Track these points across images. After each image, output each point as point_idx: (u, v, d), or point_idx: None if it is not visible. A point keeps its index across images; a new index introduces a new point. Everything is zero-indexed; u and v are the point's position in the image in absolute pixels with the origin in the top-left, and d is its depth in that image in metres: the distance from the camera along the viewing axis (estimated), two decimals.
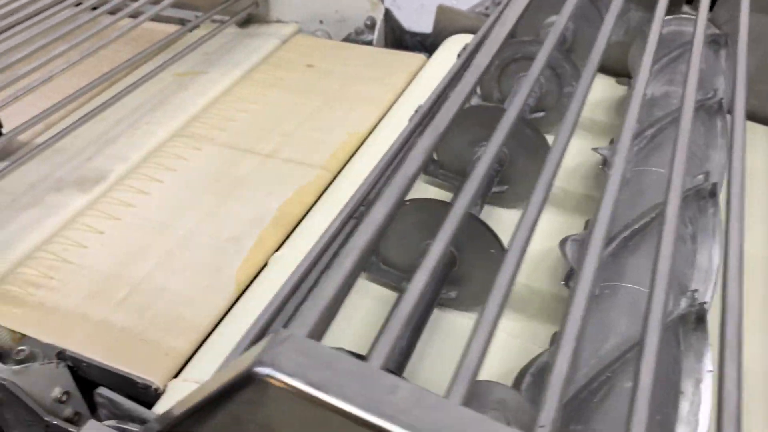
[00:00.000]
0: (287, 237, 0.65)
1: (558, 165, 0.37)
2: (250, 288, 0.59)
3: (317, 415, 0.25)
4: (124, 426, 0.43)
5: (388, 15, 0.97)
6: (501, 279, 0.28)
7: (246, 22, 1.04)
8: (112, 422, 0.44)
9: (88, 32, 0.82)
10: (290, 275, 0.46)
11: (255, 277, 0.61)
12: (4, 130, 0.76)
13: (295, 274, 0.41)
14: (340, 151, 0.77)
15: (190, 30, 0.94)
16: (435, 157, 0.65)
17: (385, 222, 0.31)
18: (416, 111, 0.61)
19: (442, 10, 0.92)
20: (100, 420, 0.51)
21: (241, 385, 0.26)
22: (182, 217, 0.69)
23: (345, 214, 0.45)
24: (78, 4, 0.91)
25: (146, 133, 0.80)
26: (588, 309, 0.28)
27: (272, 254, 0.63)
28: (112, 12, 0.90)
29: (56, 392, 0.51)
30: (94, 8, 0.90)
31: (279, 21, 1.04)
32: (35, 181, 0.73)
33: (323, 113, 0.84)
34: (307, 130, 0.81)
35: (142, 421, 0.43)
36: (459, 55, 0.70)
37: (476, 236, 0.49)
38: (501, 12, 0.61)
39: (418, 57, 0.92)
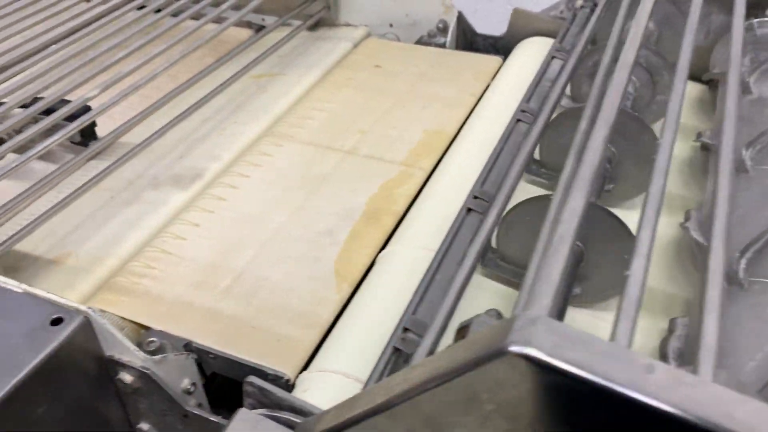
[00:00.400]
0: (390, 232, 0.66)
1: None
2: (366, 284, 0.59)
3: (572, 393, 0.25)
4: (277, 414, 0.44)
5: (460, 18, 0.98)
6: (713, 268, 0.29)
7: (315, 25, 1.05)
8: (263, 411, 0.44)
9: (170, 39, 0.83)
10: (429, 268, 0.46)
11: (365, 273, 0.61)
12: (99, 132, 0.78)
13: (447, 268, 0.42)
14: (418, 148, 0.78)
15: (258, 33, 0.96)
16: (537, 156, 0.66)
17: (584, 212, 0.31)
18: (523, 110, 0.62)
19: (517, 13, 0.93)
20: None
21: (489, 364, 0.26)
22: (273, 211, 0.70)
23: (493, 218, 0.46)
24: (158, 11, 0.93)
25: (234, 133, 0.81)
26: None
27: (378, 251, 0.63)
28: (192, 17, 0.91)
29: (185, 383, 0.52)
30: (175, 14, 0.92)
31: (348, 25, 1.05)
32: (131, 179, 0.75)
33: (397, 112, 0.85)
34: (382, 128, 0.82)
35: (295, 410, 0.43)
36: (554, 57, 0.71)
37: (607, 231, 0.50)
38: (603, 16, 0.61)
39: (493, 59, 0.93)
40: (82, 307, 0.47)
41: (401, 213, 0.69)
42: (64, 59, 0.79)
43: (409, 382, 0.29)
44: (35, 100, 0.77)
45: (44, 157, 0.78)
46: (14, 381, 0.43)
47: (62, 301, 0.47)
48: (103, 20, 0.88)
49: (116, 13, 0.90)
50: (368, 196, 0.71)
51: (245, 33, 1.07)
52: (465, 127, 0.80)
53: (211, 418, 0.48)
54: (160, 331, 0.54)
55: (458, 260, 0.52)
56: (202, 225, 0.69)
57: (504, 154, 0.61)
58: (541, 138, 0.65)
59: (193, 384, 0.53)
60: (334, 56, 0.97)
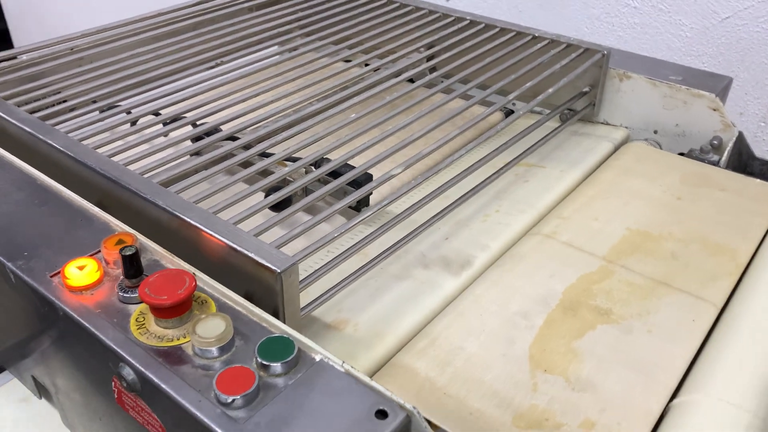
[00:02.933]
0: (588, 327, 0.60)
1: None
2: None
3: None
4: None
5: (739, 138, 0.92)
6: None
7: (568, 118, 1.03)
8: None
9: (420, 111, 0.84)
10: None
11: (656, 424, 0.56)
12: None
13: None
14: (621, 244, 0.76)
15: (507, 120, 0.95)
16: None
17: None
18: None
19: None
20: None
21: None
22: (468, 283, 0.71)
23: None
24: (411, 81, 0.94)
25: (500, 223, 0.80)
26: None
27: (669, 401, 0.58)
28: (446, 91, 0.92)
29: None
30: (446, 92, 0.93)
31: (606, 123, 1.02)
32: (399, 253, 0.75)
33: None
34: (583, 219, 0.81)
35: None
36: None
37: None
38: None
39: None
40: (408, 405, 0.46)
41: (601, 309, 0.67)
42: (332, 125, 0.82)
43: None
44: (322, 161, 0.81)
45: (311, 211, 0.82)
46: None
47: (386, 392, 0.47)
48: (368, 90, 0.92)
49: (366, 83, 0.93)
50: (566, 286, 0.70)
51: (495, 116, 1.08)
52: (758, 257, 0.74)
53: None
54: None
55: None
56: None
57: None
58: None
59: None
60: (597, 156, 0.94)
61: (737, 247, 0.76)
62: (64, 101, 0.85)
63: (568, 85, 0.95)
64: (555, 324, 0.65)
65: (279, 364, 0.48)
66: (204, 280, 0.56)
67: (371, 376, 0.59)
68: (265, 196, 0.69)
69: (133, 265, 0.54)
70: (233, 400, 0.45)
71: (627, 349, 0.62)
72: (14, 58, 0.89)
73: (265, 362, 0.48)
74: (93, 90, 0.85)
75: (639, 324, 0.65)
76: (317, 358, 0.49)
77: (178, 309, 0.51)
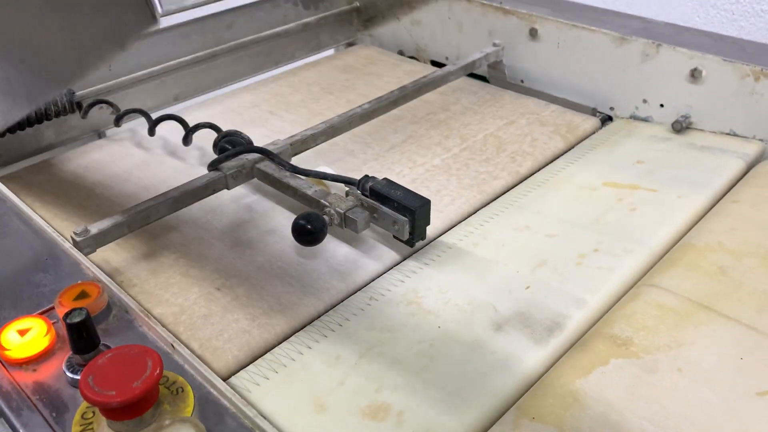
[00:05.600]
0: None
1: None
2: None
3: None
4: None
5: None
6: None
7: (684, 127, 0.82)
8: None
9: None
10: None
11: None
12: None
13: None
14: None
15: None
16: None
17: None
18: None
19: None
20: None
21: None
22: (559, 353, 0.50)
23: None
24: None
25: (600, 267, 0.60)
26: None
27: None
28: None
29: None
30: None
31: (733, 134, 0.80)
32: (460, 303, 0.57)
33: None
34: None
35: None
36: None
37: None
38: None
39: None
40: None
41: (618, 339, 0.51)
42: None
43: None
44: None
45: None
46: None
47: None
48: None
49: None
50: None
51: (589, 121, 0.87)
52: None
53: None
54: None
55: None
56: None
57: None
58: None
59: None
60: (724, 177, 0.73)
61: None
62: None
63: None
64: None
65: None
66: (185, 356, 0.40)
67: None
68: None
69: (81, 337, 0.38)
70: None
71: (649, 394, 0.46)
72: None
73: None
74: None
75: (667, 360, 0.49)
76: None
77: (134, 408, 0.35)
